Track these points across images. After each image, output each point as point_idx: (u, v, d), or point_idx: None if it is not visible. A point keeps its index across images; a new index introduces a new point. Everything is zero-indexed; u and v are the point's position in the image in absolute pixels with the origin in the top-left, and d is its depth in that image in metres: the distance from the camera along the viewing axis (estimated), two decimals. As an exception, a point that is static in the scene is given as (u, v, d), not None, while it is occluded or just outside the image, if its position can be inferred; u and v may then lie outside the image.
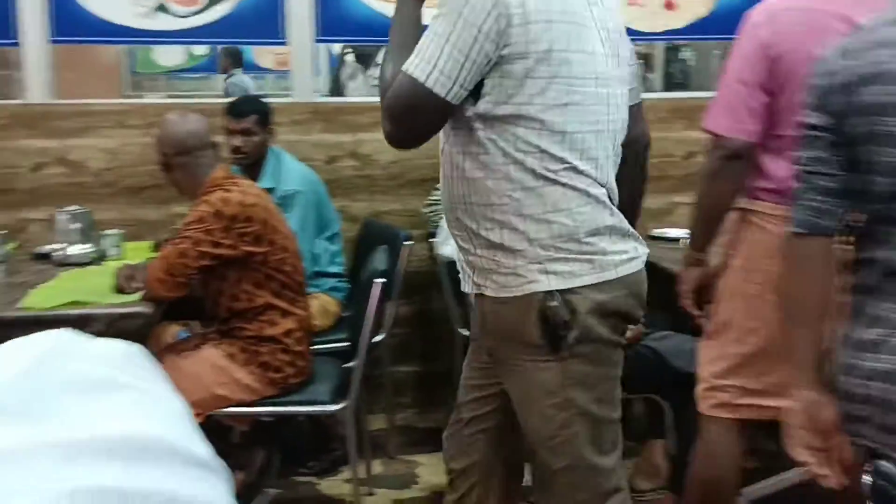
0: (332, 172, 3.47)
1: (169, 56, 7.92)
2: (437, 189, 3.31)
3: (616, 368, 1.71)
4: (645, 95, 4.76)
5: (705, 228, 2.13)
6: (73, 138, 3.33)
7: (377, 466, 3.11)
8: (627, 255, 1.66)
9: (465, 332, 3.02)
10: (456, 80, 1.52)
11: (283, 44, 3.46)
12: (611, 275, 1.62)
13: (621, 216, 1.68)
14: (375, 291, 2.47)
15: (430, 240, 3.22)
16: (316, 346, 2.86)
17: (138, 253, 2.91)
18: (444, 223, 2.63)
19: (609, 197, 1.67)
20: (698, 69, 6.93)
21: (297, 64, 3.48)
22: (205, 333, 2.58)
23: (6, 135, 3.30)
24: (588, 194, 1.61)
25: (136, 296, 2.35)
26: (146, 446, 0.67)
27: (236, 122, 3.03)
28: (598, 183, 1.64)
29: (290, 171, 3.10)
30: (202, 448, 0.75)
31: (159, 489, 0.66)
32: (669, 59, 7.05)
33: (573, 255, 1.59)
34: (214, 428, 2.81)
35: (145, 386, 0.75)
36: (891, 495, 1.14)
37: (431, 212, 3.27)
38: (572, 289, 1.59)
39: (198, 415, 2.39)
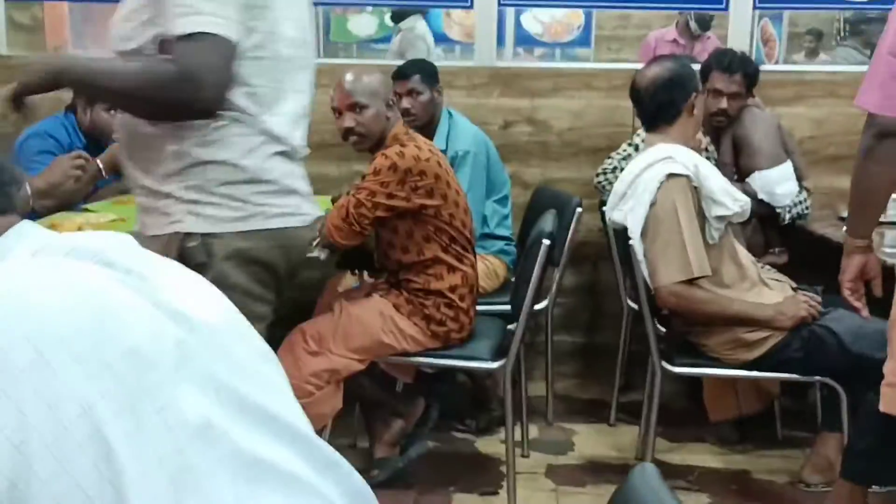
0: (507, 137, 3.49)
1: (362, 26, 8.20)
2: (610, 158, 3.27)
3: (257, 322, 1.68)
4: (844, 68, 4.46)
5: (862, 213, 2.00)
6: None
7: (534, 430, 3.13)
8: (284, 211, 1.68)
9: (634, 305, 2.96)
10: (238, 20, 1.53)
11: (468, 7, 3.50)
12: (258, 224, 1.64)
13: (297, 174, 1.74)
14: (541, 251, 2.46)
15: (603, 209, 3.17)
16: (481, 308, 2.91)
17: (320, 206, 3.04)
18: (617, 187, 2.59)
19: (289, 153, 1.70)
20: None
21: (481, 28, 3.51)
22: (375, 283, 2.68)
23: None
24: (261, 145, 1.64)
25: (314, 243, 2.46)
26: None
27: (402, 84, 3.11)
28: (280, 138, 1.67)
29: (461, 132, 3.15)
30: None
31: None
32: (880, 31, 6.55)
33: (223, 201, 1.61)
34: (380, 378, 2.93)
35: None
36: None
37: (604, 180, 3.22)
38: (214, 233, 1.62)
39: (363, 360, 2.49)
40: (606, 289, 3.51)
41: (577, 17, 8.11)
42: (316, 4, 4.58)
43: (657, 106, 2.50)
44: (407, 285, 2.53)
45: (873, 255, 2.05)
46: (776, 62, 6.66)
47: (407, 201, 2.42)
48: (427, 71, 3.16)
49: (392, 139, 2.49)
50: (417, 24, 5.83)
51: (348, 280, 3.02)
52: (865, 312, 2.06)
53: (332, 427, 2.60)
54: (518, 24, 7.52)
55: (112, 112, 3.07)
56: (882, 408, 1.98)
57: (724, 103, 3.00)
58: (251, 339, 0.82)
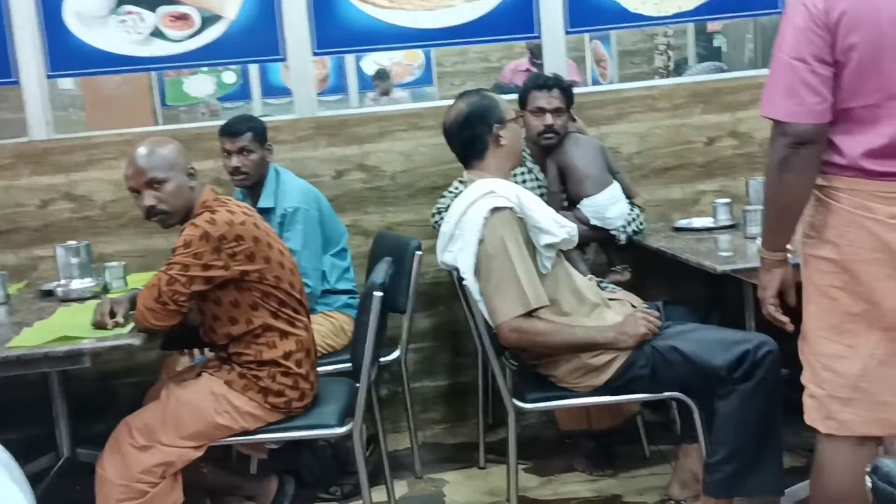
0: (340, 187, 3.40)
1: (198, 87, 7.98)
2: (444, 196, 3.22)
3: None
4: (659, 82, 4.61)
5: (780, 226, 1.92)
6: (77, 172, 3.31)
7: (402, 487, 3.00)
8: None
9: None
10: None
11: (281, 60, 3.40)
12: None
13: None
14: (374, 304, 2.36)
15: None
16: (328, 368, 2.78)
17: (143, 283, 2.85)
18: (444, 229, 2.52)
19: None
20: (731, 55, 6.74)
21: (297, 79, 3.41)
22: (206, 361, 2.51)
23: (12, 174, 3.29)
24: None
25: (126, 328, 2.28)
26: None
27: (231, 141, 2.98)
28: None
29: (289, 188, 3.03)
30: None
31: None
32: (700, 44, 6.87)
33: None
34: (231, 458, 2.75)
35: None
36: (890, 496, 0.99)
37: (440, 220, 3.16)
38: None
39: (199, 446, 2.31)
40: (463, 328, 3.43)
41: (415, 57, 8.16)
42: (142, 70, 4.39)
43: (462, 143, 2.48)
44: (238, 358, 2.36)
45: (790, 267, 1.98)
46: (610, 81, 6.87)
47: (226, 270, 2.27)
48: (258, 129, 3.04)
49: (201, 207, 2.34)
50: None
51: (185, 360, 2.83)
52: (791, 326, 2.00)
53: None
54: (360, 70, 7.49)
55: None
56: (806, 420, 1.94)
57: (549, 119, 3.01)
58: None
